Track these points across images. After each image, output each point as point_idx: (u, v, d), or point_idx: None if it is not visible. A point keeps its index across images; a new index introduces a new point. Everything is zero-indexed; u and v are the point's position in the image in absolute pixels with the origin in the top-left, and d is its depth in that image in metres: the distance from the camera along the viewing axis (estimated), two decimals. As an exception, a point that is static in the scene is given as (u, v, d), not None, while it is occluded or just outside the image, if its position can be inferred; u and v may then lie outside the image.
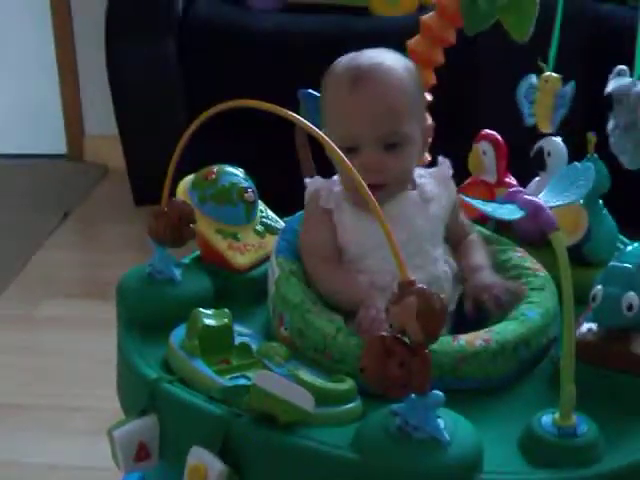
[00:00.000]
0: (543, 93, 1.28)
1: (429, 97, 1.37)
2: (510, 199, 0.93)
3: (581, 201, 1.22)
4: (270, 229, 1.30)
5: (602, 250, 1.23)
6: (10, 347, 1.90)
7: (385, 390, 0.87)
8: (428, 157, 1.38)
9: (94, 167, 2.84)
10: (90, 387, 1.73)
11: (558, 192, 0.92)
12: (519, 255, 1.21)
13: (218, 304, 1.12)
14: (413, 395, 0.87)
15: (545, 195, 0.93)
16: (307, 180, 1.20)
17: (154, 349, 1.09)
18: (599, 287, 1.02)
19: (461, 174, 1.39)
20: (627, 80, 1.19)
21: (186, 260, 1.28)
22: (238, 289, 1.24)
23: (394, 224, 1.04)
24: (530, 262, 1.19)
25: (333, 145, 0.90)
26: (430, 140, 1.22)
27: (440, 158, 1.23)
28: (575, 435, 0.92)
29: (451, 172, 1.21)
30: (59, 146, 2.91)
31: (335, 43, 2.06)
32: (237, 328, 1.09)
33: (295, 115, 0.93)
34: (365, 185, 0.87)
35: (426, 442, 0.88)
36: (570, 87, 1.27)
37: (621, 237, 1.30)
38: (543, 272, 1.17)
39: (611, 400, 1.01)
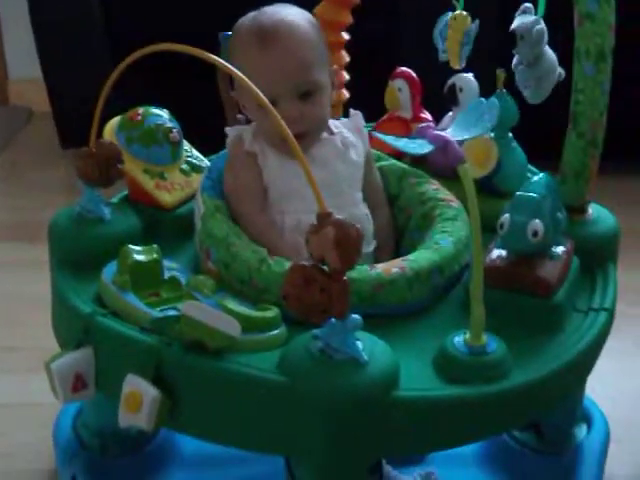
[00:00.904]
0: (452, 30, 1.33)
1: (346, 36, 1.42)
2: (420, 134, 0.98)
3: (492, 135, 1.28)
4: (195, 168, 1.34)
5: (512, 181, 1.27)
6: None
7: (307, 316, 0.92)
8: (346, 94, 1.43)
9: (19, 111, 2.82)
10: (22, 327, 1.76)
11: (465, 126, 0.98)
12: (434, 188, 1.27)
13: (147, 241, 1.15)
14: (333, 320, 0.93)
15: (453, 130, 0.98)
16: (227, 128, 1.24)
17: (86, 285, 1.12)
18: (506, 215, 1.08)
19: (379, 111, 1.45)
20: (531, 17, 1.24)
21: (114, 199, 1.31)
22: (166, 226, 1.28)
23: (316, 166, 1.09)
24: (443, 194, 1.25)
25: (257, 91, 0.92)
26: (338, 82, 1.26)
27: (352, 110, 1.28)
28: (485, 353, 0.98)
29: (363, 123, 1.27)
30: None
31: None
32: (166, 263, 1.13)
33: (223, 62, 0.95)
34: (286, 127, 0.91)
35: (346, 362, 0.93)
36: (475, 25, 1.32)
37: (531, 168, 1.36)
38: (456, 203, 1.23)
39: (518, 321, 1.07)
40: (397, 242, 1.29)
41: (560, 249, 1.12)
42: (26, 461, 1.42)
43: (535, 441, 1.31)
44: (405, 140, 0.98)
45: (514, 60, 1.25)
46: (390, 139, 0.98)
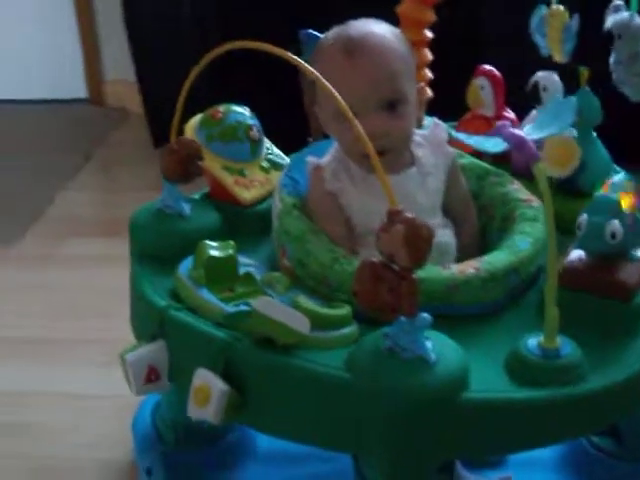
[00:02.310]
0: (551, 27, 1.30)
1: (429, 34, 1.41)
2: (497, 132, 0.97)
3: (575, 134, 1.26)
4: (275, 165, 1.34)
5: (596, 181, 1.25)
6: (33, 284, 1.96)
7: (376, 313, 0.92)
8: (430, 93, 1.42)
9: (114, 111, 2.88)
10: (113, 320, 1.79)
11: (542, 125, 0.96)
12: (514, 187, 1.24)
13: (226, 237, 1.15)
14: (402, 318, 0.92)
15: (529, 128, 0.96)
16: (309, 158, 1.21)
17: (164, 280, 1.14)
18: (584, 216, 1.06)
19: (463, 108, 1.43)
20: (625, 14, 1.21)
21: (196, 196, 1.33)
22: (245, 223, 1.28)
23: (397, 200, 1.07)
24: (524, 194, 1.23)
25: (339, 97, 0.93)
26: (424, 100, 1.24)
27: (434, 120, 1.26)
28: (558, 356, 0.97)
29: (445, 135, 1.24)
30: (80, 91, 2.96)
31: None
32: (242, 259, 1.14)
33: (303, 62, 0.95)
34: (368, 140, 0.92)
35: (413, 361, 0.93)
36: (575, 21, 1.28)
37: (616, 168, 1.33)
38: (537, 203, 1.20)
39: (597, 324, 1.05)
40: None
41: (640, 252, 1.09)
42: (107, 451, 1.45)
43: (614, 446, 1.28)
44: (480, 138, 0.97)
45: (611, 58, 1.22)
46: (463, 136, 0.97)
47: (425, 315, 0.92)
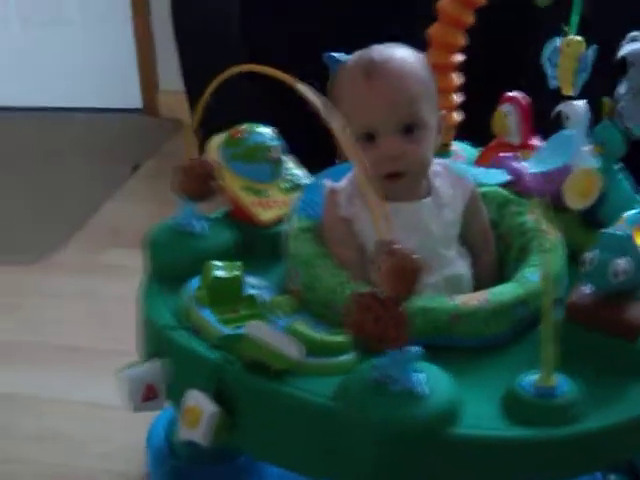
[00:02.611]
0: (565, 56, 1.28)
1: (460, 58, 1.39)
2: (501, 164, 0.96)
3: (597, 164, 1.23)
4: (297, 186, 1.34)
5: (617, 214, 1.21)
6: (72, 292, 1.99)
7: (366, 344, 0.91)
8: (457, 117, 1.41)
9: (168, 122, 2.90)
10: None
11: (543, 159, 0.95)
12: (534, 218, 1.22)
13: (241, 257, 1.16)
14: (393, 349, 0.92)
15: (531, 162, 0.95)
16: (325, 181, 1.21)
17: (174, 298, 1.14)
18: (590, 253, 1.03)
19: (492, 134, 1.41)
20: (640, 44, 1.19)
21: (216, 214, 1.33)
22: (262, 243, 1.28)
23: (409, 230, 1.06)
24: (544, 224, 1.21)
25: (338, 124, 0.92)
26: (451, 125, 1.22)
27: (455, 147, 1.24)
28: (553, 395, 0.94)
29: (464, 166, 1.22)
30: (136, 101, 2.99)
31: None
32: (253, 281, 1.14)
33: (306, 89, 0.95)
34: (366, 175, 0.91)
35: (402, 394, 0.91)
36: (592, 51, 1.26)
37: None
38: (555, 235, 1.18)
39: (601, 363, 1.02)
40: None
41: (650, 290, 1.06)
42: (123, 463, 1.46)
43: (631, 486, 1.24)
44: (480, 170, 0.97)
45: (620, 88, 1.20)
46: (465, 168, 0.96)
47: (415, 348, 0.91)
